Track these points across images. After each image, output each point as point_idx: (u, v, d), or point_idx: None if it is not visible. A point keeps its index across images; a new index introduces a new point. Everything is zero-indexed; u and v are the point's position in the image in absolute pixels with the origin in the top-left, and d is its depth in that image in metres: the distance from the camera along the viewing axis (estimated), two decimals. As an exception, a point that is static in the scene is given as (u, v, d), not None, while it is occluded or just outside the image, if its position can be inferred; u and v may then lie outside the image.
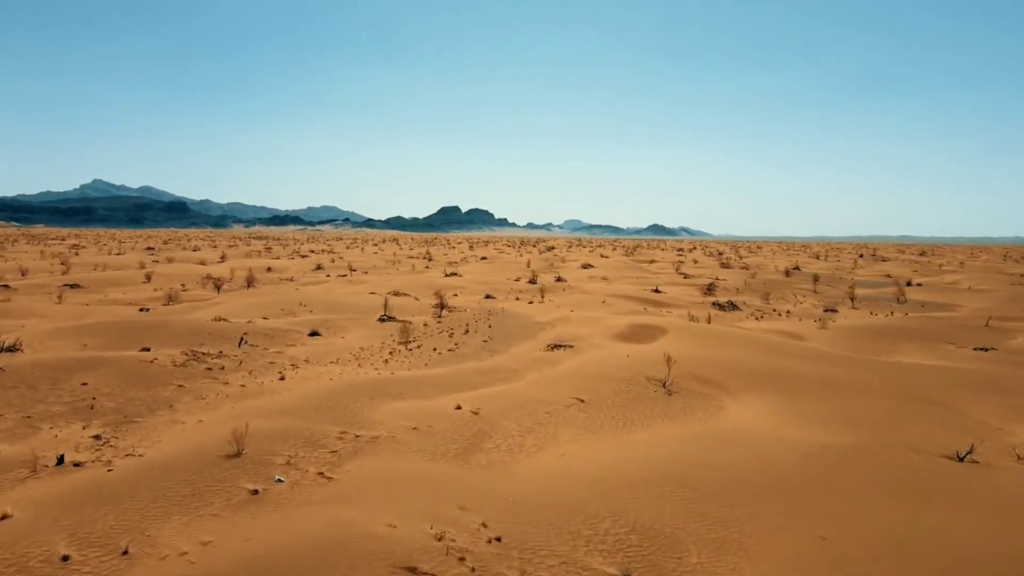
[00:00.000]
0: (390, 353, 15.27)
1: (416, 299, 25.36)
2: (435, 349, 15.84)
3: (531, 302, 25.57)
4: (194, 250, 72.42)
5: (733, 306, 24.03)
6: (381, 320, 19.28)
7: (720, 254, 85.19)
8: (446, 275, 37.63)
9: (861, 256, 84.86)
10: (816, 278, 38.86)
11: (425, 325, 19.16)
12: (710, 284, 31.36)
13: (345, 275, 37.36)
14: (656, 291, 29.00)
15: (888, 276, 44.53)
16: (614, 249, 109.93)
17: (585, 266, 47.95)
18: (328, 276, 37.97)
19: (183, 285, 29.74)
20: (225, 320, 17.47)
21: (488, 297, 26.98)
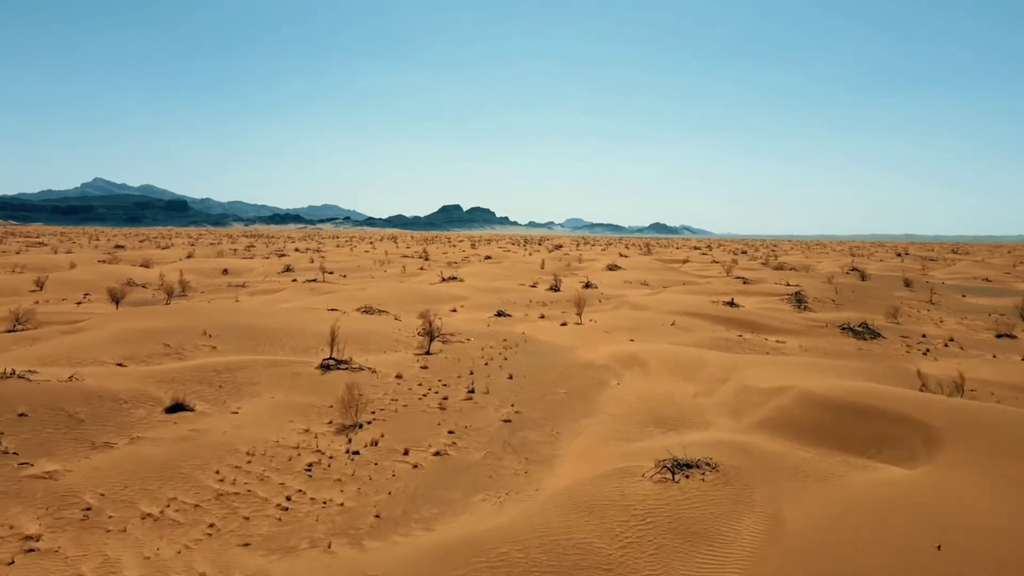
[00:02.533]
0: (307, 469, 7.18)
1: (396, 319, 17.37)
2: (406, 453, 7.72)
3: (564, 323, 17.50)
4: (164, 248, 64.53)
5: (871, 331, 15.91)
6: (324, 367, 11.19)
7: (743, 252, 76.99)
8: (443, 279, 29.53)
9: (899, 255, 76.64)
10: (908, 283, 30.76)
11: (398, 378, 11.04)
12: (796, 294, 23.27)
13: (314, 280, 29.30)
14: (731, 304, 20.90)
15: (987, 280, 36.34)
16: (627, 247, 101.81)
17: (611, 267, 39.78)
18: (295, 280, 29.93)
19: (65, 297, 21.65)
20: (28, 376, 9.36)
21: (501, 315, 18.91)
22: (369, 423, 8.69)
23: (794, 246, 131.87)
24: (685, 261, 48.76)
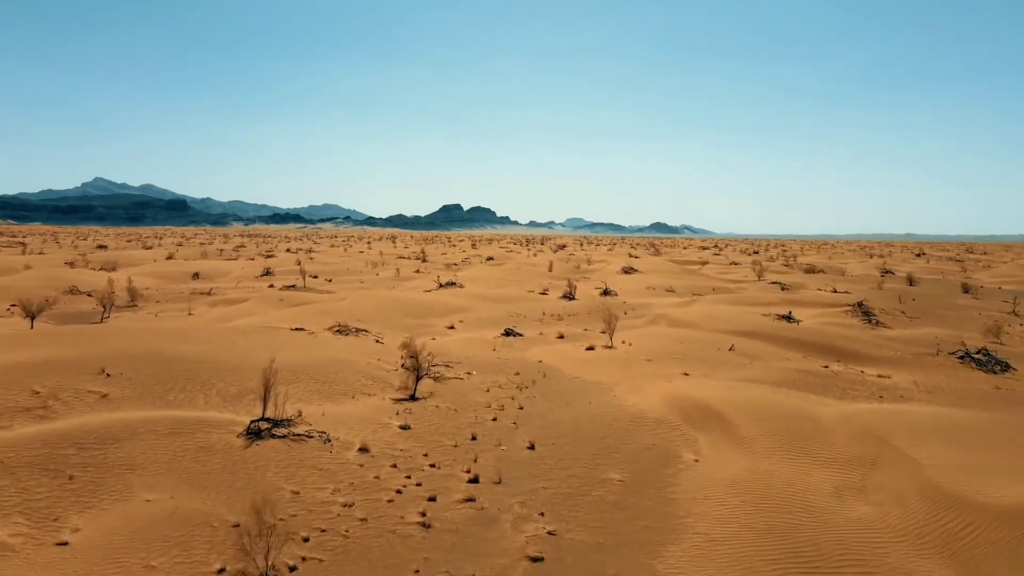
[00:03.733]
0: None
1: (377, 341, 13.60)
2: None
3: (591, 347, 13.71)
4: (148, 248, 60.81)
5: (996, 362, 12.12)
6: (252, 433, 7.42)
7: (755, 252, 73.19)
8: (440, 285, 25.74)
9: (919, 256, 72.87)
10: (966, 288, 26.99)
11: (362, 453, 7.19)
12: (860, 304, 19.47)
13: (292, 287, 25.52)
14: (788, 319, 17.11)
15: (1050, 284, 32.52)
16: (633, 247, 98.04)
17: (627, 270, 35.97)
18: (271, 286, 26.16)
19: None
20: None
21: (509, 334, 15.11)
22: (292, 573, 4.91)
23: (803, 246, 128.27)
24: (704, 263, 44.95)
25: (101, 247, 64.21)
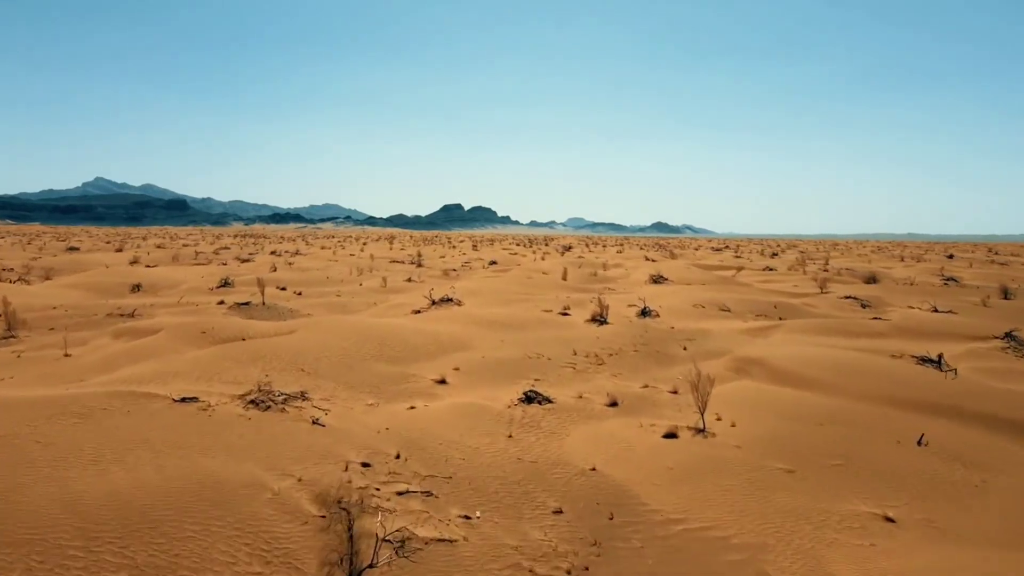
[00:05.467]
0: None
1: (315, 422, 8.09)
2: None
3: (672, 433, 8.26)
4: (117, 251, 55.49)
5: None
6: None
7: (774, 255, 67.65)
8: (433, 303, 20.29)
9: (950, 257, 67.29)
10: None
11: None
12: (1010, 334, 14.02)
13: (247, 304, 20.05)
14: (937, 364, 11.66)
15: None
16: (642, 248, 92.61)
17: (656, 279, 30.49)
18: (221, 302, 20.73)
19: None
20: None
21: (531, 399, 9.64)
22: None
23: (816, 246, 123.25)
24: (739, 269, 39.44)
25: (72, 248, 58.93)
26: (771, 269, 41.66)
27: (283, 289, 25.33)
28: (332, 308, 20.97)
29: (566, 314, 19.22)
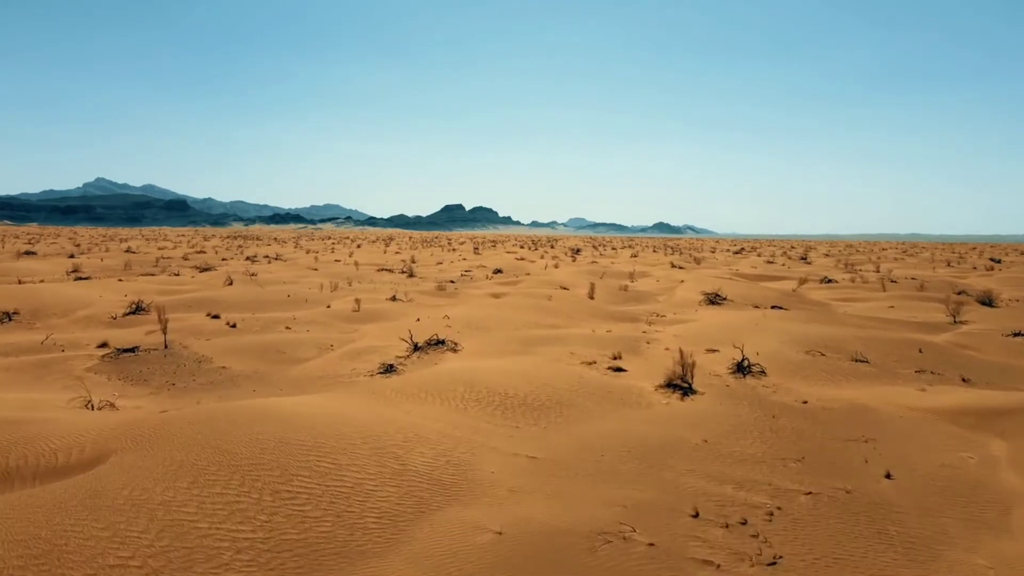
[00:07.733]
0: None
1: None
2: None
3: None
4: (70, 256, 48.85)
5: None
6: None
7: (803, 259, 60.80)
8: (415, 348, 13.44)
9: (994, 260, 60.29)
10: None
11: None
12: None
13: (133, 350, 13.32)
14: None
15: None
16: (655, 251, 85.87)
17: (712, 300, 23.58)
18: (104, 345, 13.98)
19: None
20: None
21: None
22: None
23: (830, 248, 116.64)
24: (803, 282, 32.50)
25: (29, 253, 52.28)
26: (830, 280, 34.78)
27: (215, 317, 18.53)
28: (265, 353, 14.14)
29: (619, 369, 12.37)
